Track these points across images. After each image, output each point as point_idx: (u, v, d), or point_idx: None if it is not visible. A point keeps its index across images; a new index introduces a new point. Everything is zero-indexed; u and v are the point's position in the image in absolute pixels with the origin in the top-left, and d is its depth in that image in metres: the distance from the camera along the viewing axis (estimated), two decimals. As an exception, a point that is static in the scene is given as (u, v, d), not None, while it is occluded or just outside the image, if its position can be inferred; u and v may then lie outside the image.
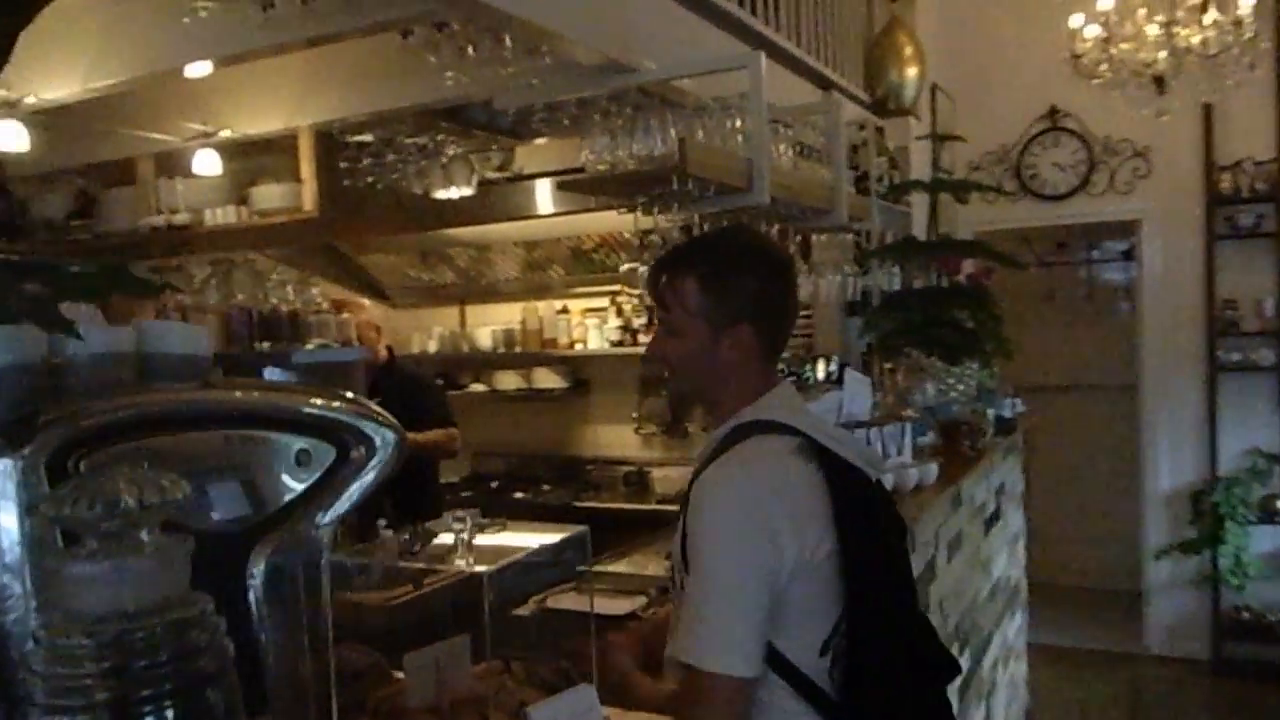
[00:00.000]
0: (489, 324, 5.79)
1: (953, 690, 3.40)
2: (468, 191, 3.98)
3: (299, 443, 1.34)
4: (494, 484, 5.66)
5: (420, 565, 1.33)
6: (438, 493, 4.68)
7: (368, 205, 3.79)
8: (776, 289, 1.59)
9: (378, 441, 1.47)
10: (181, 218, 3.90)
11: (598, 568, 2.97)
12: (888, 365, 3.71)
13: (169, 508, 0.99)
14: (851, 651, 1.49)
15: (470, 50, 2.77)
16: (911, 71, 4.94)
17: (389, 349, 4.61)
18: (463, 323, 6.03)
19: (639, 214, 2.70)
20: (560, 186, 3.33)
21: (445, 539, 1.50)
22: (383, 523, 3.83)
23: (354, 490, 1.45)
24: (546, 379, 5.62)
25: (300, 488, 1.35)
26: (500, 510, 5.11)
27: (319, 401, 1.39)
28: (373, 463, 1.47)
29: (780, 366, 3.53)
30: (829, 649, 1.50)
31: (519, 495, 5.38)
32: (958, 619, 3.52)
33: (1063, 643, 5.91)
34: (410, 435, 4.29)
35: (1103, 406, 6.94)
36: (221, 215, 3.89)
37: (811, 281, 3.71)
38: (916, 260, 4.34)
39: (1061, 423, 6.88)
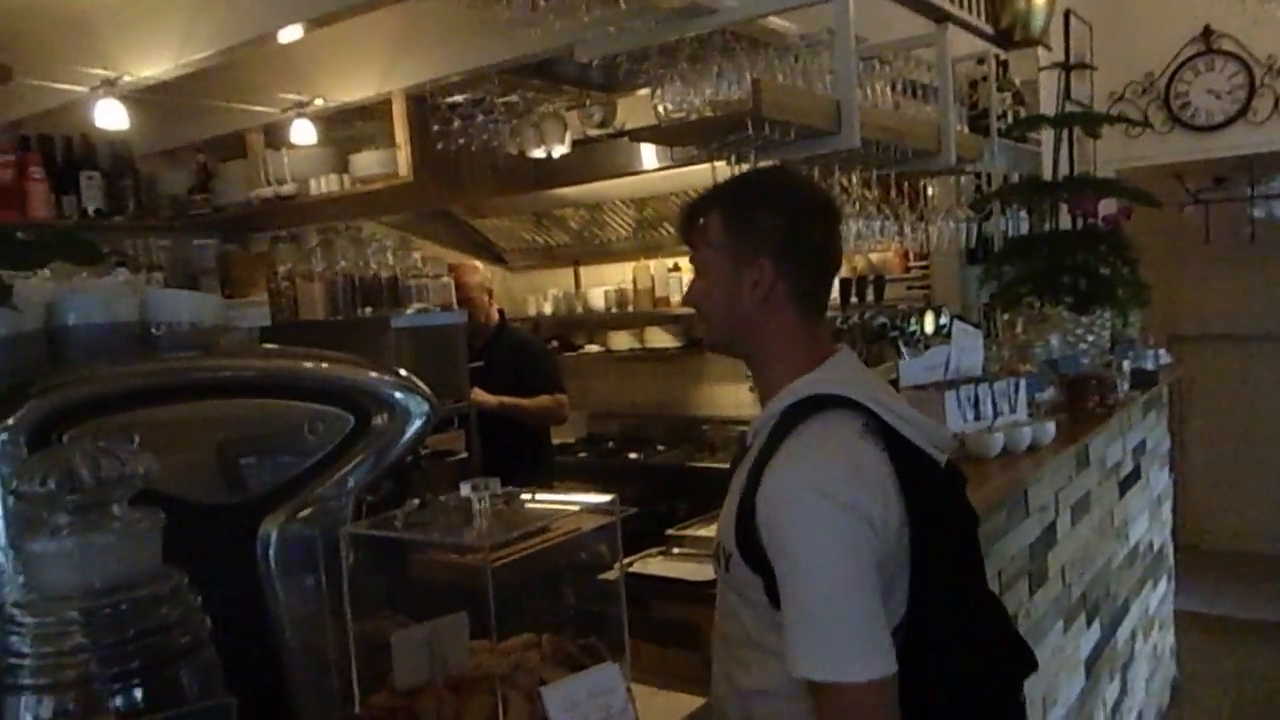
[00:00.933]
0: (603, 284, 5.74)
1: (1080, 661, 3.20)
2: (562, 150, 3.91)
3: (311, 410, 1.29)
4: (609, 444, 5.65)
5: (423, 538, 1.27)
6: (548, 457, 4.67)
7: (462, 168, 3.76)
8: (807, 228, 1.43)
9: (403, 407, 1.42)
10: (288, 188, 3.98)
11: (688, 531, 2.90)
12: (1005, 316, 3.46)
13: (129, 482, 0.96)
14: (910, 650, 1.35)
15: (541, 1, 2.68)
16: (1040, -3, 4.56)
17: (500, 312, 4.61)
18: (577, 284, 6.01)
19: (716, 163, 2.56)
20: (631, 138, 3.21)
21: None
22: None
23: (378, 458, 1.40)
24: (659, 338, 5.55)
25: (314, 456, 1.31)
26: (614, 472, 5.16)
27: (333, 368, 1.34)
28: (398, 429, 1.42)
29: (883, 320, 3.36)
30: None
31: (633, 456, 5.35)
32: (1084, 587, 3.29)
33: (1218, 612, 5.48)
34: (516, 401, 4.29)
35: (1268, 356, 6.36)
36: (325, 184, 3.94)
37: (922, 228, 3.49)
38: (1044, 203, 4.03)
39: (1220, 374, 6.34)
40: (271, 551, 1.25)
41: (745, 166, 2.59)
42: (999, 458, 2.77)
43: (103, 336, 1.18)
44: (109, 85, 3.00)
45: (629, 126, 4.37)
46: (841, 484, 1.30)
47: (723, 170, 2.56)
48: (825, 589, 1.28)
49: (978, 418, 2.82)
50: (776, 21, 2.97)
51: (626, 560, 2.79)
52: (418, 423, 1.44)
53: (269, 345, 1.39)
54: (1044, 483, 2.90)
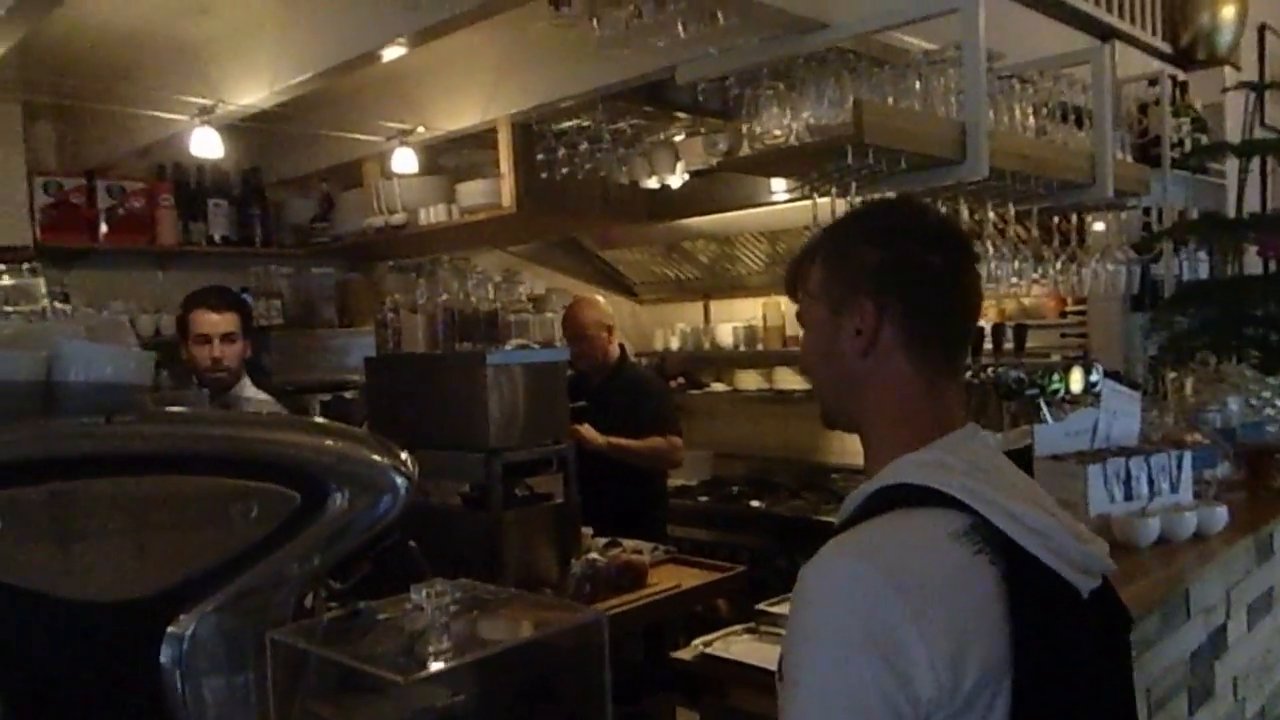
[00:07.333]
0: (732, 320, 5.48)
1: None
2: (675, 180, 3.67)
3: (239, 488, 1.09)
4: (733, 489, 5.34)
5: (338, 657, 1.03)
6: (662, 502, 4.37)
7: (570, 198, 3.58)
8: (919, 260, 1.15)
9: (370, 482, 1.20)
10: (398, 218, 3.91)
11: (782, 608, 2.57)
12: (1172, 375, 2.97)
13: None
14: None
15: (637, 18, 2.47)
16: (1229, 10, 4.03)
17: (621, 347, 4.38)
18: (707, 318, 5.77)
19: (816, 196, 2.26)
20: (719, 167, 2.94)
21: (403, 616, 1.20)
22: (589, 531, 3.64)
23: (333, 541, 1.19)
24: (789, 380, 5.22)
25: (243, 542, 1.10)
26: (734, 520, 4.85)
27: (276, 437, 1.14)
28: (365, 508, 1.20)
29: (1020, 374, 2.94)
30: None
31: (755, 504, 5.01)
32: (1263, 700, 2.76)
33: None
34: (624, 442, 4.01)
35: None
36: (434, 214, 3.85)
37: (1074, 270, 3.06)
38: (1227, 243, 3.51)
39: None
40: (178, 656, 1.05)
41: (857, 202, 2.28)
42: (1154, 547, 2.33)
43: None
44: (205, 113, 2.97)
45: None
46: (871, 596, 0.98)
47: (824, 207, 2.26)
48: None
49: (1129, 498, 2.39)
50: (901, 37, 2.65)
51: (706, 639, 2.51)
52: (389, 499, 1.22)
53: (203, 410, 1.20)
54: (1212, 578, 2.43)
